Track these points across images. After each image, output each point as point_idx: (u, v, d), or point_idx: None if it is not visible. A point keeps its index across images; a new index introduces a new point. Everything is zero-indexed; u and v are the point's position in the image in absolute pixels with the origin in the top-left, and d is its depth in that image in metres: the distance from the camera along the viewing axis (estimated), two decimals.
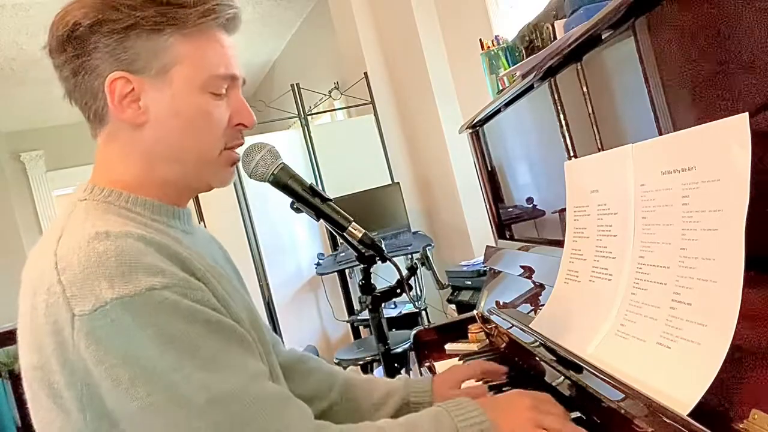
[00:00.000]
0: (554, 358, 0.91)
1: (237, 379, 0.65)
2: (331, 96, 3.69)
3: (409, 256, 2.78)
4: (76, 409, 0.64)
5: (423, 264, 1.17)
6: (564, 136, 1.10)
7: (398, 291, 1.08)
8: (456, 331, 1.41)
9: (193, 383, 0.62)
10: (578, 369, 0.82)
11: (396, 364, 1.21)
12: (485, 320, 1.34)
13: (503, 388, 1.06)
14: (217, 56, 0.75)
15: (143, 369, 0.61)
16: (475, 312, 1.40)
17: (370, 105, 3.31)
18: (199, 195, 3.00)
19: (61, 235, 0.67)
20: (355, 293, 3.17)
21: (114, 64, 0.71)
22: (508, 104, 1.33)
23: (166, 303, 0.62)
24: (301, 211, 0.98)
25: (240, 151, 0.84)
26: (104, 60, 0.71)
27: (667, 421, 0.61)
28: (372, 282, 1.11)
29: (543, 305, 1.03)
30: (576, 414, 0.82)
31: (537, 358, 0.98)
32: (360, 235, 0.98)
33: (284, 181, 0.94)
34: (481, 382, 1.08)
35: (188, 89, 0.74)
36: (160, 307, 0.62)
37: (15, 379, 2.71)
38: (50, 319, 0.62)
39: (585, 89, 0.98)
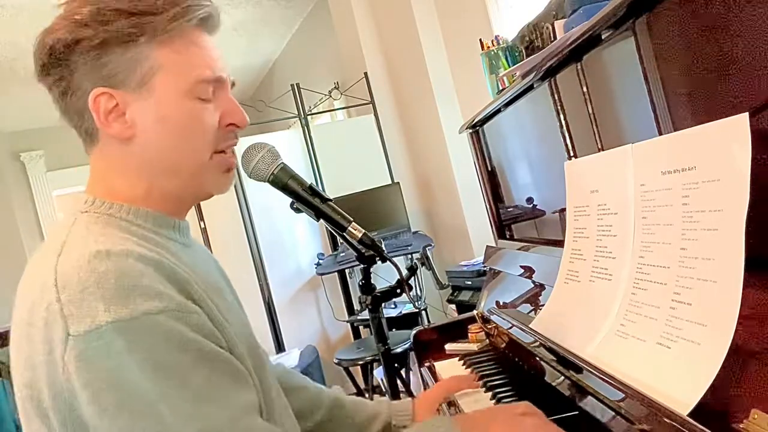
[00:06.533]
0: (554, 358, 0.91)
1: (226, 412, 0.63)
2: (331, 96, 3.69)
3: (409, 256, 2.78)
4: (60, 431, 0.63)
5: (423, 264, 1.17)
6: (564, 136, 1.10)
7: (398, 291, 1.08)
8: (456, 331, 1.41)
9: (180, 414, 0.60)
10: (578, 369, 0.82)
11: (396, 364, 1.21)
12: (485, 320, 1.34)
13: (500, 389, 1.06)
14: (198, 59, 0.74)
15: (130, 395, 0.60)
16: (475, 312, 1.40)
17: (370, 105, 3.31)
18: None
19: (62, 249, 0.66)
20: (355, 293, 3.17)
21: (95, 81, 0.71)
22: (508, 104, 1.33)
23: (160, 329, 0.62)
24: (301, 211, 0.98)
25: (239, 152, 0.84)
26: (85, 78, 0.71)
27: (667, 421, 0.61)
28: (372, 282, 1.11)
29: (543, 305, 1.03)
30: (575, 413, 0.82)
31: (537, 358, 0.98)
32: (360, 235, 0.98)
33: (284, 181, 0.94)
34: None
35: (172, 97, 0.72)
36: (155, 333, 0.61)
37: None
38: (47, 337, 0.62)
39: (585, 89, 0.98)
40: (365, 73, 3.29)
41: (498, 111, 1.39)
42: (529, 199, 1.37)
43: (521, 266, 1.29)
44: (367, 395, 2.75)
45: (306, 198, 0.95)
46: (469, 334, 1.35)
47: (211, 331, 0.68)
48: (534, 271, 1.23)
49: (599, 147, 0.98)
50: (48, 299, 0.62)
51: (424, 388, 1.34)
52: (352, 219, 0.98)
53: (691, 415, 0.59)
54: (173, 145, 0.74)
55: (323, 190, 0.96)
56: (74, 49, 0.70)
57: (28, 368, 0.65)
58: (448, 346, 1.38)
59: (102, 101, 0.71)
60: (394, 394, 1.21)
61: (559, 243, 1.01)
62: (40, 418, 0.65)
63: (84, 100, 0.72)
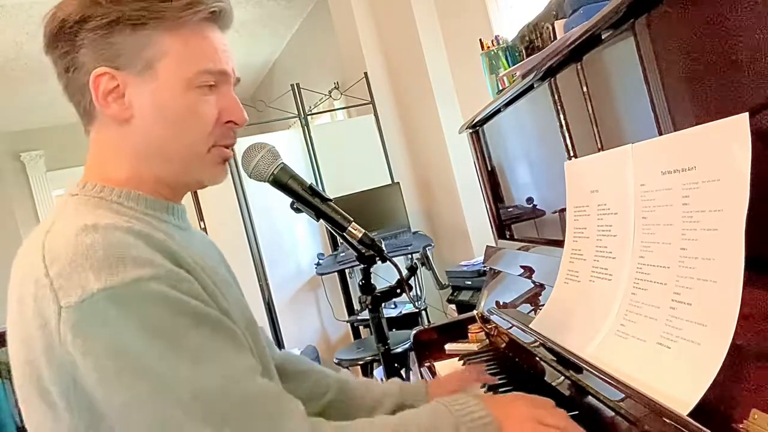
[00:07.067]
0: (554, 358, 0.91)
1: (225, 372, 0.63)
2: (331, 96, 3.69)
3: (409, 256, 2.78)
4: (62, 405, 0.63)
5: (423, 264, 1.17)
6: (564, 136, 1.10)
7: (398, 291, 1.08)
8: (456, 331, 1.41)
9: (179, 375, 0.60)
10: (578, 369, 0.82)
11: (396, 364, 1.21)
12: (485, 320, 1.34)
13: (501, 389, 1.06)
14: (203, 51, 0.74)
15: (129, 361, 0.60)
16: (475, 312, 1.40)
17: (370, 105, 3.31)
18: (199, 194, 3.01)
19: (50, 228, 0.67)
20: (355, 293, 3.17)
21: (99, 60, 0.71)
22: (508, 104, 1.33)
23: (153, 294, 0.62)
24: (301, 211, 0.98)
25: (239, 152, 0.84)
26: (90, 56, 0.71)
27: (667, 421, 0.61)
28: (372, 282, 1.11)
29: (543, 305, 1.03)
30: (575, 413, 0.82)
31: (537, 358, 0.98)
32: (360, 235, 0.98)
33: (284, 181, 0.94)
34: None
35: (173, 85, 0.73)
36: (147, 298, 0.61)
37: None
38: (38, 311, 0.62)
39: (585, 89, 0.98)
40: (365, 73, 3.29)
41: (498, 111, 1.39)
42: (529, 199, 1.37)
43: (521, 266, 1.29)
44: None
45: (306, 198, 0.95)
46: (469, 334, 1.35)
47: (205, 298, 0.68)
48: (534, 271, 1.23)
49: (599, 147, 0.98)
50: (36, 275, 0.62)
51: None
52: (352, 219, 0.98)
53: (691, 415, 0.59)
54: (168, 133, 0.74)
55: (323, 190, 0.96)
56: (83, 25, 0.70)
57: (24, 346, 0.65)
58: (448, 346, 1.38)
59: (103, 81, 0.72)
60: None
61: (559, 243, 1.01)
62: (41, 396, 0.65)
63: (86, 78, 0.72)
